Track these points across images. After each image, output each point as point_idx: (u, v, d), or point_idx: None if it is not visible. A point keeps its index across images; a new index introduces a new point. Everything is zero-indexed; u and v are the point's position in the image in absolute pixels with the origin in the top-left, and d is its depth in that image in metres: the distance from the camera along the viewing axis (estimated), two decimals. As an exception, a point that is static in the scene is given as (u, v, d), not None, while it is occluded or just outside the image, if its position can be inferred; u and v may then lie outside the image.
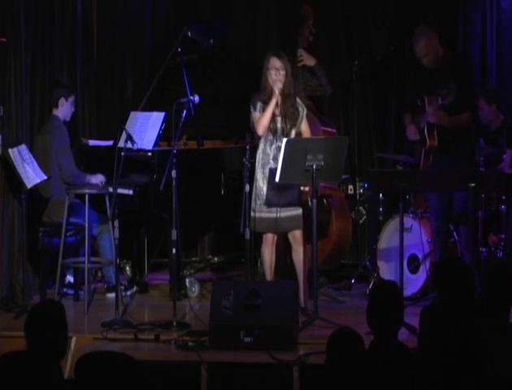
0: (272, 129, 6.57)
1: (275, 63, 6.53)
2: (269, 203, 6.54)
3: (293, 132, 6.59)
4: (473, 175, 6.22)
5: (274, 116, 6.54)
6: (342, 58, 8.53)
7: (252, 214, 6.56)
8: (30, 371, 3.62)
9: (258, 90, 6.64)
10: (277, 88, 6.49)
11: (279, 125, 6.57)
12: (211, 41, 7.62)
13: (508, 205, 7.15)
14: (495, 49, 8.13)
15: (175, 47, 7.41)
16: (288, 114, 6.55)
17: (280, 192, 6.52)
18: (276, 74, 6.51)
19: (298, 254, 6.65)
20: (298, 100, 6.64)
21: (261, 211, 6.58)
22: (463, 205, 6.58)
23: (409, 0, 8.43)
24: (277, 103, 6.52)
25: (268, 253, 6.70)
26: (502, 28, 8.16)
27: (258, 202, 6.60)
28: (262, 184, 6.57)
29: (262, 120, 6.51)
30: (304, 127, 6.65)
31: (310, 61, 7.46)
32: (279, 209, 6.51)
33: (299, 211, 6.61)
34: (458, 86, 6.52)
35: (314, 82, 7.49)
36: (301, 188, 6.68)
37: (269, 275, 6.72)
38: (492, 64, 7.88)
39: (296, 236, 6.63)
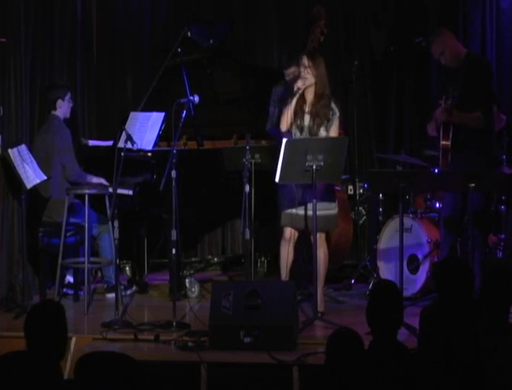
0: (299, 126, 6.50)
1: (304, 61, 6.46)
2: (291, 202, 6.51)
3: (322, 131, 6.47)
4: (473, 176, 6.21)
5: (303, 113, 6.50)
6: (342, 58, 8.53)
7: (280, 207, 6.55)
8: (30, 372, 3.61)
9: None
10: (296, 86, 6.45)
11: (306, 123, 6.49)
12: (211, 41, 7.62)
13: (508, 206, 7.15)
14: (495, 49, 8.13)
15: (175, 47, 7.41)
16: (320, 114, 6.46)
17: (301, 190, 6.48)
18: (304, 72, 6.46)
19: (318, 256, 6.44)
20: (333, 104, 6.50)
21: (287, 206, 6.54)
22: (475, 204, 6.49)
23: (409, 0, 8.44)
24: (305, 101, 6.48)
25: (285, 250, 6.57)
26: (502, 28, 8.16)
27: (281, 196, 6.56)
28: None
29: (282, 118, 6.49)
30: (332, 133, 6.51)
31: None
32: (308, 206, 6.43)
33: (331, 212, 6.52)
34: (465, 88, 6.54)
35: None
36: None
37: (284, 272, 6.59)
38: (492, 64, 7.85)
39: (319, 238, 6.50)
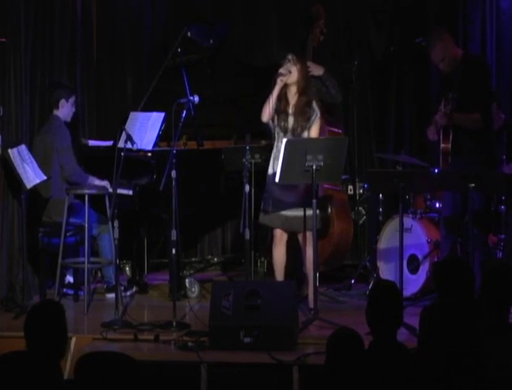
0: (283, 127, 6.52)
1: (290, 56, 6.50)
2: (274, 203, 6.53)
3: (304, 133, 6.50)
4: (473, 176, 6.21)
5: (287, 115, 6.51)
6: (342, 58, 8.53)
7: (262, 206, 6.57)
8: (30, 371, 3.61)
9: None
10: (280, 72, 6.43)
11: (290, 125, 6.51)
12: (211, 41, 7.62)
13: (508, 206, 7.14)
14: (495, 49, 8.11)
15: (174, 47, 7.41)
16: (302, 114, 6.46)
17: (285, 192, 6.51)
18: (288, 65, 6.46)
19: (306, 255, 6.55)
20: (314, 105, 6.52)
21: (269, 205, 6.57)
22: (475, 204, 6.47)
23: (409, 0, 8.43)
24: (289, 103, 6.49)
25: (277, 252, 6.62)
26: (502, 28, 8.15)
27: (266, 195, 6.59)
28: (271, 174, 6.55)
29: (264, 107, 6.48)
30: (313, 133, 6.51)
31: (317, 71, 7.42)
32: (286, 208, 6.50)
33: (308, 212, 6.47)
34: (463, 90, 6.53)
35: (323, 90, 7.48)
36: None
37: (278, 274, 6.63)
38: (492, 64, 7.86)
39: (304, 238, 6.55)
